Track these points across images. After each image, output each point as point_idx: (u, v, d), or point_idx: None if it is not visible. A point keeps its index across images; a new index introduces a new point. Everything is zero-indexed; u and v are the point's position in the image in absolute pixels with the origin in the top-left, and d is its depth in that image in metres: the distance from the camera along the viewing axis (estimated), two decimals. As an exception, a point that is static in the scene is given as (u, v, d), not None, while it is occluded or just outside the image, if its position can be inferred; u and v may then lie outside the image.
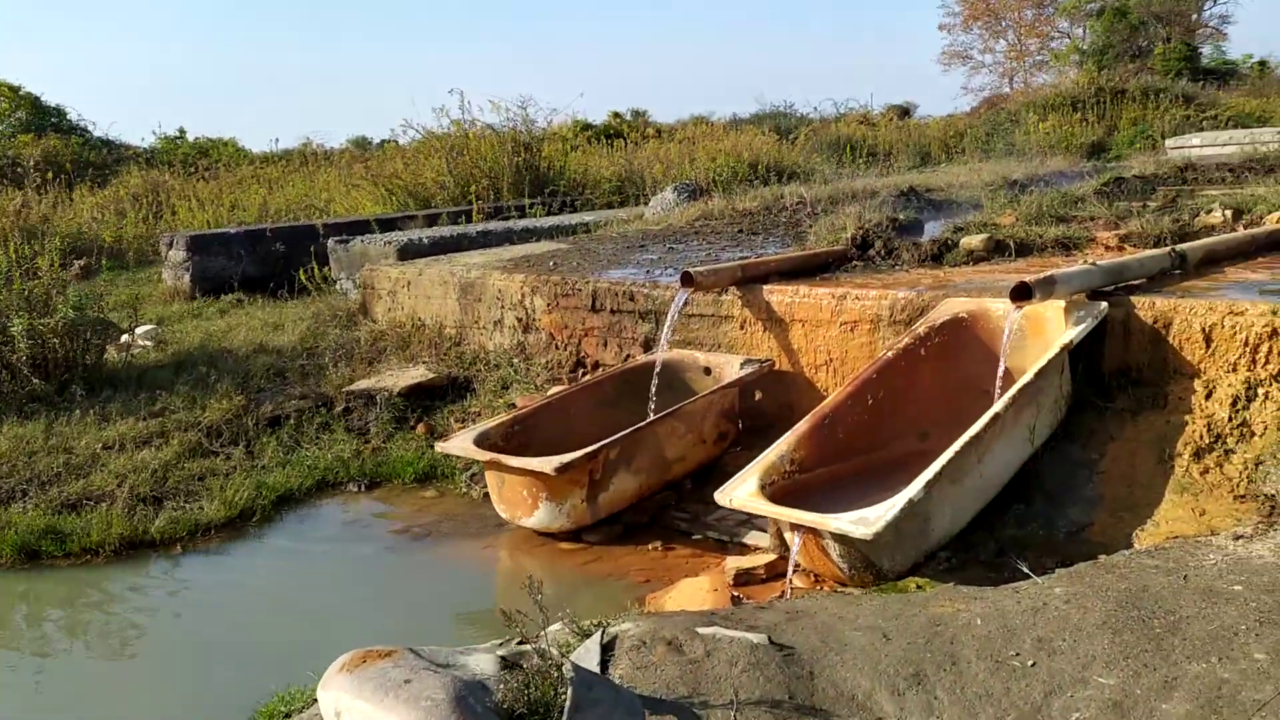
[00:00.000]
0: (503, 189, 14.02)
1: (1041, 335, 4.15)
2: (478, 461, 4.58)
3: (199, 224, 15.23)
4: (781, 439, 3.89)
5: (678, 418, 4.56)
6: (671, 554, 4.15)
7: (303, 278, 9.64)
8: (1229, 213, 5.70)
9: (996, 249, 5.33)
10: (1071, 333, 3.86)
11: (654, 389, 4.93)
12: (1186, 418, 3.79)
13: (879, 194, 8.79)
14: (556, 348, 5.97)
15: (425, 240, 9.20)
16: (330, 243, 9.80)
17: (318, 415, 5.88)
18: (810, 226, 7.10)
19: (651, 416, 4.83)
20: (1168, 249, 4.43)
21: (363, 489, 5.15)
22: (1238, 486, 3.55)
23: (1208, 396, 3.79)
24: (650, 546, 4.20)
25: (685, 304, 5.22)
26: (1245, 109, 20.52)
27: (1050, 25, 40.25)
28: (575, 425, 4.89)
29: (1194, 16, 36.86)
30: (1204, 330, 3.82)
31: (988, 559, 3.53)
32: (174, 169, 20.35)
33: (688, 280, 4.93)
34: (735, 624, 2.89)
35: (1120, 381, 4.02)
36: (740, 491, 3.63)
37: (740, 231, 7.85)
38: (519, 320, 6.13)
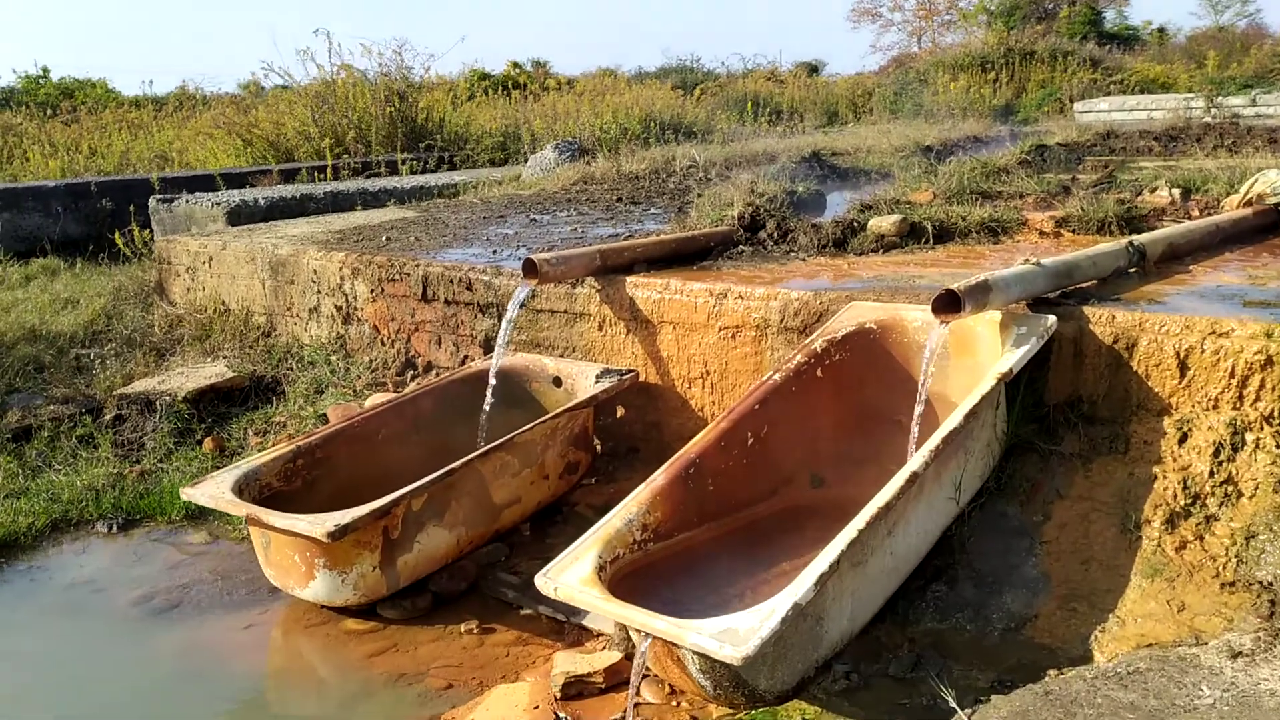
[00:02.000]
0: (373, 142, 12.72)
1: (970, 354, 3.24)
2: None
3: (51, 172, 13.52)
4: (629, 497, 2.90)
5: (510, 450, 3.54)
6: (490, 638, 3.15)
7: (120, 242, 8.33)
8: (1176, 192, 4.88)
9: (911, 233, 4.41)
10: (1011, 358, 2.94)
11: (487, 407, 3.90)
12: (1155, 470, 2.92)
13: (779, 158, 7.85)
14: (382, 344, 4.88)
15: (262, 201, 7.97)
16: (153, 201, 8.49)
17: (80, 425, 4.70)
18: (699, 196, 6.12)
19: (479, 447, 3.81)
20: (1125, 242, 3.55)
21: (116, 529, 4.02)
22: (1224, 570, 2.68)
23: (1181, 442, 2.92)
24: (464, 628, 3.19)
25: (530, 298, 4.19)
26: (1149, 75, 20.34)
27: (959, -16, 39.89)
28: (384, 455, 3.84)
29: (1099, -20, 36.84)
30: (1178, 355, 2.94)
31: (899, 673, 2.61)
32: (30, 111, 18.53)
33: (531, 270, 3.90)
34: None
35: (1069, 417, 3.13)
36: (570, 576, 2.64)
37: (619, 200, 6.82)
38: (338, 309, 5.02)
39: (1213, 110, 14.47)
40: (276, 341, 5.29)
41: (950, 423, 2.76)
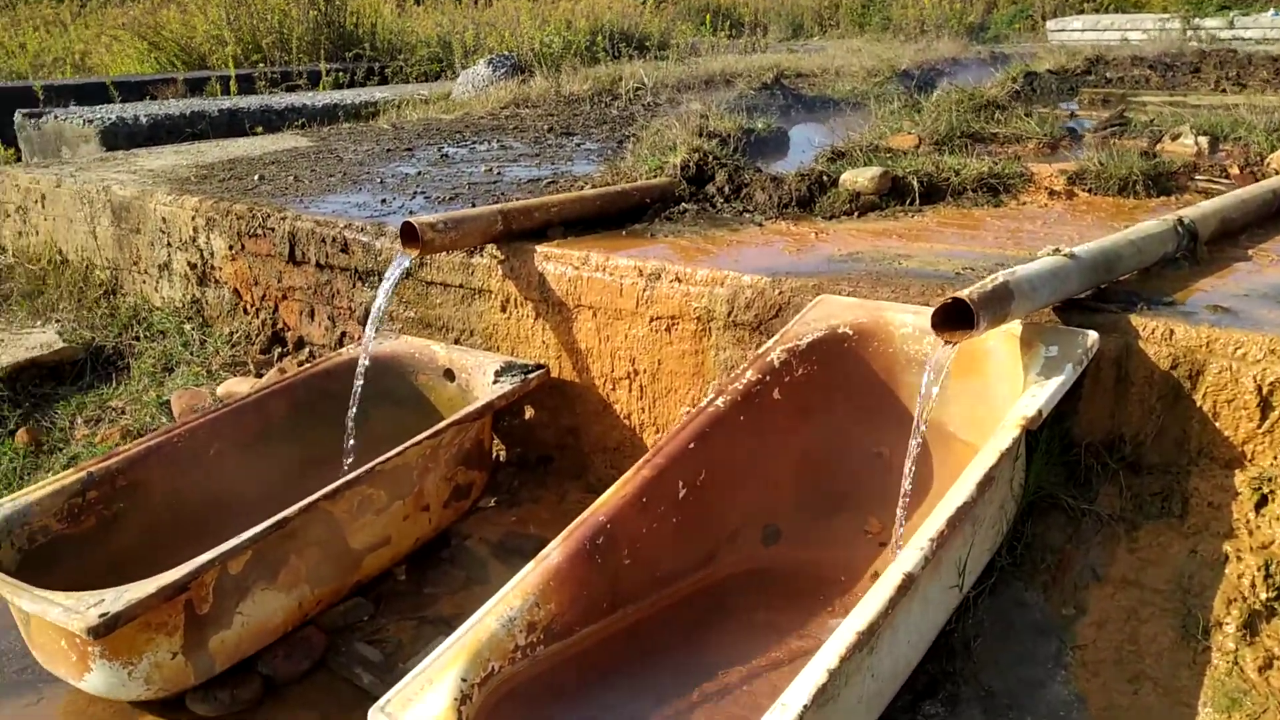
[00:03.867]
0: (295, 49, 11.52)
1: (977, 373, 2.43)
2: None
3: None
4: (512, 584, 2.09)
5: (373, 481, 2.71)
6: (331, 751, 2.36)
7: (-22, 163, 7.25)
8: (1204, 141, 4.08)
9: (893, 190, 3.57)
10: (1038, 397, 2.14)
11: (353, 413, 3.05)
12: (1226, 546, 2.16)
13: (737, 82, 6.93)
14: (245, 312, 3.99)
15: (144, 120, 6.93)
16: (18, 116, 7.40)
17: None
18: (642, 130, 5.23)
19: (344, 462, 2.99)
20: (1173, 220, 2.74)
21: (-123, 562, 3.15)
22: (1330, 705, 1.94)
23: (1260, 507, 2.16)
24: (297, 734, 2.39)
25: (415, 268, 3.32)
26: (1123, -7, 19.55)
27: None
28: (219, 476, 3.00)
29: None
30: (1260, 389, 2.16)
31: None
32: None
33: (411, 236, 3.01)
34: None
35: (1106, 462, 2.36)
36: (415, 715, 1.84)
37: (551, 130, 5.88)
38: (192, 266, 4.11)
39: (1189, 32, 13.74)
40: (122, 303, 4.37)
41: (957, 496, 1.97)
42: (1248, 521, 2.16)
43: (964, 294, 2.08)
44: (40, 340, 4.11)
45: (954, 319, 2.12)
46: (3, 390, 3.85)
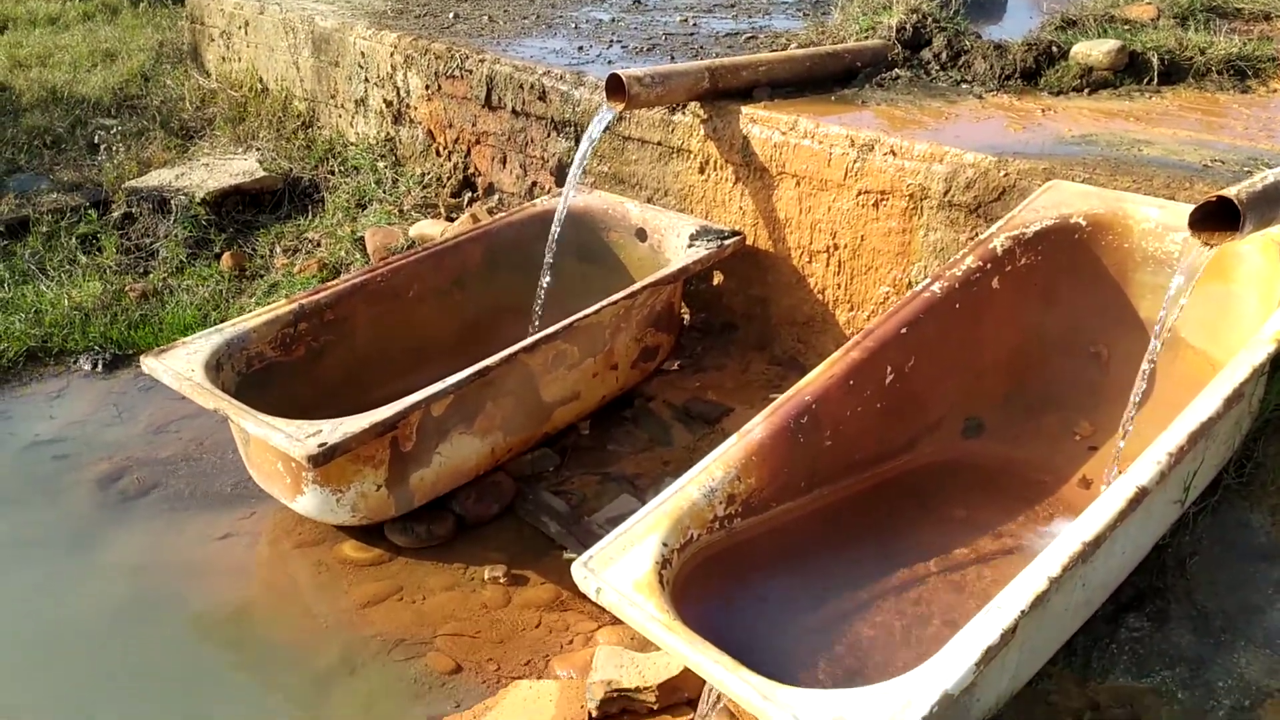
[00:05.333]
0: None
1: (1221, 278, 2.26)
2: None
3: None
4: (714, 456, 2.08)
5: (569, 337, 2.72)
6: (519, 594, 2.44)
7: (177, -19, 7.39)
8: None
9: (1129, 68, 3.28)
10: (1303, 310, 1.97)
11: (548, 268, 3.06)
12: None
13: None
14: (437, 154, 4.01)
15: (332, -51, 6.90)
16: (212, -61, 7.46)
17: (85, 220, 4.02)
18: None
19: (534, 317, 3.02)
20: None
21: (101, 367, 3.38)
22: None
23: None
24: (488, 573, 2.49)
25: (610, 124, 3.25)
26: None
27: None
28: (416, 317, 3.08)
29: None
30: None
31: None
32: None
33: (617, 89, 2.94)
34: None
35: (1356, 386, 2.18)
36: (620, 573, 1.87)
37: (744, -21, 5.62)
38: (388, 104, 4.13)
39: None
40: (318, 135, 4.45)
41: (1201, 410, 1.84)
42: None
43: (1230, 192, 1.90)
44: (242, 168, 4.24)
45: (1213, 218, 1.95)
46: (210, 214, 4.01)
